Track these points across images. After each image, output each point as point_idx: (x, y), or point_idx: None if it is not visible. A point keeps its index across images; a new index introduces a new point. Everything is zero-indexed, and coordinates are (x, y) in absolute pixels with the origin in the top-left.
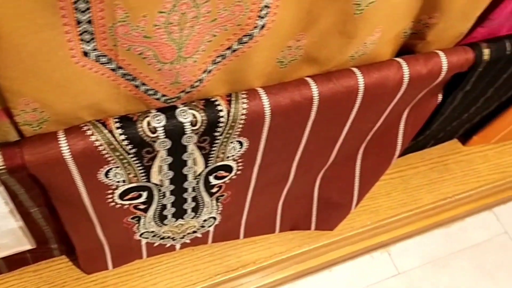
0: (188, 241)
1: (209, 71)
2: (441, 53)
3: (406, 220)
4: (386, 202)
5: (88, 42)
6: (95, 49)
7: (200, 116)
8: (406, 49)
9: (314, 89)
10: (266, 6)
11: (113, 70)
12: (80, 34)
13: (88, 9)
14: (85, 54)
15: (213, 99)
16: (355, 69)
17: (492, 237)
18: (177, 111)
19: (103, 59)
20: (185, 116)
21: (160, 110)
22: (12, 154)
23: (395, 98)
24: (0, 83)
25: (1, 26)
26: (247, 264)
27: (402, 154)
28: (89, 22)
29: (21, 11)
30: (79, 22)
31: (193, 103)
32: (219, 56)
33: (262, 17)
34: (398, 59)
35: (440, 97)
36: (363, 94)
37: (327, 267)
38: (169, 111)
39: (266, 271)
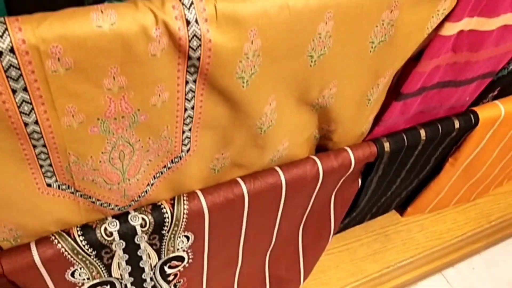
0: None
1: (152, 184)
2: (348, 149)
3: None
4: (336, 274)
5: (50, 177)
6: (56, 181)
7: (148, 219)
8: (322, 147)
9: (244, 187)
10: (187, 137)
11: (72, 193)
12: (44, 173)
13: (47, 157)
14: (49, 185)
15: (159, 204)
16: (277, 168)
17: None
18: (129, 216)
19: (63, 187)
20: (136, 220)
21: (114, 216)
22: None
23: (316, 188)
24: None
25: None
26: None
27: (345, 228)
28: (50, 165)
29: None
30: (41, 166)
31: (142, 208)
32: (157, 173)
33: (186, 144)
34: (313, 156)
35: (359, 182)
36: (286, 188)
37: None
38: (122, 217)
39: None
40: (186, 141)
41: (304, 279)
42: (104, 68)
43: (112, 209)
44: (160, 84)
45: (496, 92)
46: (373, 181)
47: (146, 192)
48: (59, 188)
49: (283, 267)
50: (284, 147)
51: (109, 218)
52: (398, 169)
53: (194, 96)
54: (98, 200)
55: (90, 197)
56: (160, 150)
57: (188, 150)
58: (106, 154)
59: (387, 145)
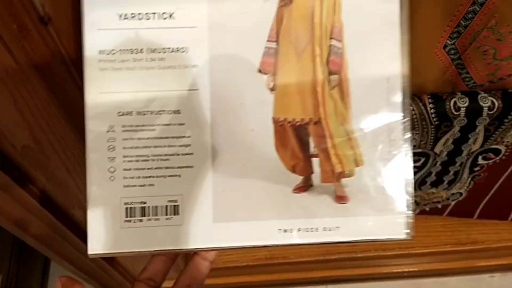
0: (427, 209)
1: None
2: None
3: None
4: None
5: (453, 38)
6: (453, 44)
7: (497, 103)
8: None
9: None
10: None
11: (453, 60)
12: (452, 33)
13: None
14: (444, 47)
15: (510, 91)
16: None
17: None
18: (479, 96)
19: (452, 51)
20: (486, 101)
21: (464, 93)
22: None
23: None
24: None
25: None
26: (475, 242)
27: None
28: (466, 26)
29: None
30: (458, 25)
31: (492, 92)
32: None
33: None
34: None
35: None
36: None
37: None
38: (472, 95)
39: (492, 253)
40: None
41: None
42: None
43: (467, 84)
44: None
45: None
46: None
47: (510, 75)
48: (448, 52)
49: None
50: None
51: (459, 93)
52: None
53: None
54: (467, 73)
55: (463, 68)
56: None
57: None
58: None
59: None
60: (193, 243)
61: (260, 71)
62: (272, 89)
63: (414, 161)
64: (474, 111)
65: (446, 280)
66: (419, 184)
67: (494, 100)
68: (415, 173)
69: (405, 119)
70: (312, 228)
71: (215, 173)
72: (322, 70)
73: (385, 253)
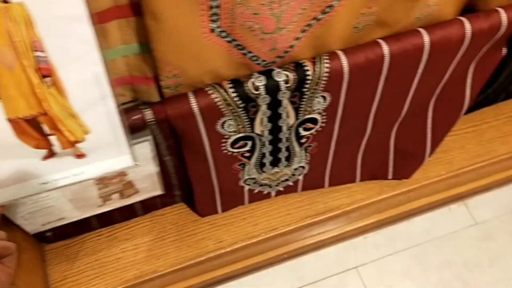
0: (281, 188)
1: (298, 38)
2: (501, 10)
3: (482, 172)
4: (460, 154)
5: (215, 21)
6: (218, 27)
7: (291, 76)
8: (469, 9)
9: (385, 48)
10: None
11: (229, 42)
12: (210, 16)
13: None
14: (212, 30)
15: (301, 62)
16: (421, 29)
17: None
18: (274, 72)
19: (223, 34)
20: (280, 76)
21: (261, 72)
22: (158, 110)
23: (459, 53)
24: (156, 55)
25: (163, 12)
26: (332, 209)
27: (475, 108)
28: (217, 6)
29: (176, 1)
30: (211, 7)
31: (286, 66)
32: (306, 25)
33: None
34: (460, 17)
35: (504, 50)
36: (429, 51)
37: (406, 217)
38: (268, 73)
39: (350, 217)
40: None
41: (430, 154)
42: None
43: (259, 63)
44: None
45: None
46: None
47: (292, 47)
48: (219, 34)
49: (410, 140)
50: (435, 2)
51: (256, 74)
52: None
53: None
54: (249, 52)
55: (243, 48)
56: None
57: None
58: None
59: None
60: None
61: None
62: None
63: (243, 146)
64: (272, 87)
65: (325, 252)
66: (260, 167)
67: (288, 73)
68: (249, 157)
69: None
70: (65, 178)
71: None
72: (35, 76)
73: (253, 241)
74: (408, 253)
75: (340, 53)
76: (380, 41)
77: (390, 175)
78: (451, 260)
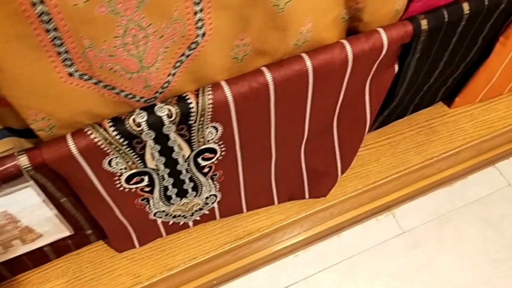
0: (198, 218)
1: (173, 74)
2: (381, 30)
3: (399, 182)
4: (376, 167)
5: (70, 66)
6: (76, 70)
7: (174, 109)
8: (352, 32)
9: (268, 76)
10: (200, 19)
11: (95, 83)
12: (63, 61)
13: (62, 43)
14: (70, 74)
15: (184, 95)
16: (303, 54)
17: (495, 191)
18: (156, 107)
19: (85, 77)
20: (163, 111)
21: (142, 108)
22: (34, 155)
23: (346, 74)
24: (11, 101)
25: (3, 62)
26: (252, 232)
27: (386, 122)
28: (66, 52)
29: (14, 51)
30: (59, 53)
31: (168, 100)
32: (177, 61)
33: (200, 27)
34: (342, 40)
35: (396, 67)
36: (314, 74)
37: (335, 232)
38: (150, 108)
39: (274, 237)
40: (200, 24)
41: (342, 172)
42: None
43: (138, 101)
44: None
45: None
46: (410, 66)
47: (169, 82)
48: (80, 78)
49: (320, 160)
50: (308, 29)
51: (137, 110)
52: (440, 51)
53: None
54: (122, 91)
55: (113, 88)
56: (174, 35)
57: (203, 35)
58: (119, 38)
59: (424, 23)
60: None
61: None
62: None
63: (139, 182)
64: (155, 123)
65: (256, 274)
66: (166, 199)
67: (171, 107)
68: (151, 192)
69: None
70: None
71: None
72: None
73: (172, 272)
74: (339, 268)
75: (223, 83)
76: (264, 69)
77: (307, 195)
78: (380, 271)
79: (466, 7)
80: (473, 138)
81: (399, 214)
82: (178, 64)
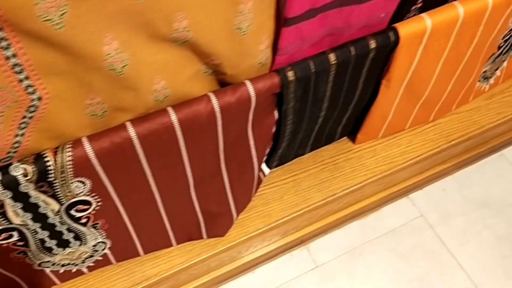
0: (92, 264)
1: (22, 134)
2: (247, 82)
3: (306, 218)
4: (279, 206)
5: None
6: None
7: (30, 168)
8: (224, 83)
9: (131, 130)
10: (29, 86)
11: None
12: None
13: None
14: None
15: (42, 153)
16: (169, 108)
17: (408, 222)
18: (11, 167)
19: None
20: (18, 170)
21: None
22: None
23: (217, 125)
24: None
25: None
26: (150, 277)
27: (285, 160)
28: None
29: None
30: None
31: (26, 159)
32: (21, 123)
33: (32, 93)
34: (208, 93)
35: (276, 113)
36: (181, 127)
37: (248, 269)
38: (4, 168)
39: (179, 280)
40: (31, 89)
41: (238, 213)
42: None
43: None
44: None
45: (420, 4)
46: (287, 112)
47: (19, 142)
48: None
49: (213, 202)
50: (163, 86)
51: None
52: (317, 96)
53: (9, 44)
54: None
55: None
56: (5, 101)
57: (40, 99)
58: None
59: (291, 74)
60: None
61: None
62: None
63: (8, 237)
64: (10, 182)
65: None
66: (47, 251)
67: (27, 166)
68: (26, 245)
69: None
70: None
71: None
72: None
73: None
74: None
75: (84, 140)
76: (127, 123)
77: (204, 235)
78: None
79: (332, 57)
80: (375, 173)
81: (314, 248)
82: (23, 125)
